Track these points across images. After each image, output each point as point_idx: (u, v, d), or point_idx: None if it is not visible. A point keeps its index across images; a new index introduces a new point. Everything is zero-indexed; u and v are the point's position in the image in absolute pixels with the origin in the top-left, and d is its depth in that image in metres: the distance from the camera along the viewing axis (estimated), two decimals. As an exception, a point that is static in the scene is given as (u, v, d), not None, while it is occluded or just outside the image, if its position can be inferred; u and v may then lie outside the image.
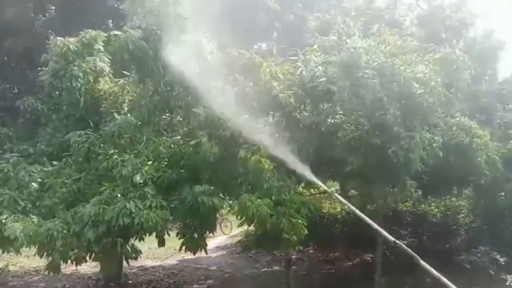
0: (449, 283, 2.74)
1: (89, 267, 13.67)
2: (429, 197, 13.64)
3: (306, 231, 6.61)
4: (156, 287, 12.12)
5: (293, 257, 10.77)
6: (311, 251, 14.83)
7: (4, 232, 5.50)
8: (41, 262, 14.79)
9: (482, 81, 13.07)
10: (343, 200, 3.56)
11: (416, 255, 3.32)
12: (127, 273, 12.62)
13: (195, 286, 12.03)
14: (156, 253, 15.21)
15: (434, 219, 15.28)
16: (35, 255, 6.87)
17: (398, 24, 13.94)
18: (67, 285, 12.26)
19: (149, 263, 14.61)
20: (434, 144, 7.47)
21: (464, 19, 14.07)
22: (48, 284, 12.44)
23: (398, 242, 3.28)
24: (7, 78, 9.47)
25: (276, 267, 13.29)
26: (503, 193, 11.91)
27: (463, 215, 14.28)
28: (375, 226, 3.62)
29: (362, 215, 3.50)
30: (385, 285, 9.42)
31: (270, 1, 11.32)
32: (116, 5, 9.54)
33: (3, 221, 5.64)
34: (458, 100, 8.62)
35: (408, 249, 3.49)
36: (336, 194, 3.64)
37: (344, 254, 13.61)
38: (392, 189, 7.20)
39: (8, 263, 14.54)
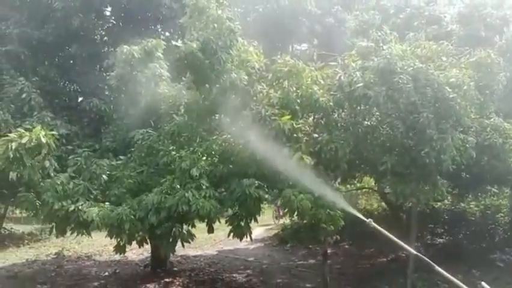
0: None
1: (136, 254, 14.76)
2: (467, 196, 13.69)
3: (343, 222, 7.17)
4: (199, 274, 12.80)
5: (328, 251, 11.21)
6: (346, 246, 15.19)
7: (81, 216, 6.42)
8: (91, 248, 16.15)
9: (522, 80, 12.99)
10: (378, 227, 4.02)
11: (431, 262, 3.68)
12: (172, 261, 13.46)
13: (234, 275, 12.62)
14: (197, 243, 16.07)
15: (473, 218, 15.25)
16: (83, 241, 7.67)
17: (438, 21, 14.00)
18: (117, 270, 13.14)
19: (191, 252, 15.36)
20: (467, 145, 7.81)
21: (505, 16, 13.92)
22: (99, 268, 13.43)
23: (415, 252, 3.65)
24: (73, 80, 10.55)
25: (311, 261, 13.75)
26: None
27: (502, 214, 14.25)
28: (403, 245, 4.07)
29: (393, 238, 3.93)
30: (417, 280, 9.77)
31: (310, 6, 11.83)
32: (169, 16, 10.38)
33: (80, 207, 6.56)
34: (492, 102, 8.88)
35: (424, 258, 3.88)
36: (374, 223, 4.09)
37: (379, 250, 13.87)
38: (424, 188, 7.60)
39: (62, 248, 15.86)
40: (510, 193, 13.03)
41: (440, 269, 3.30)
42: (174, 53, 6.78)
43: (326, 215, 6.79)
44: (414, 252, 3.58)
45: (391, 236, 4.03)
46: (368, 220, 4.03)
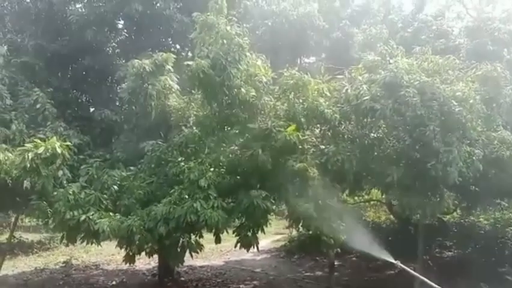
0: None
1: (143, 264, 14.84)
2: (476, 209, 13.60)
3: (344, 237, 7.22)
4: (206, 284, 12.84)
5: (336, 263, 11.19)
6: (354, 258, 15.12)
7: (93, 226, 6.56)
8: (98, 257, 16.28)
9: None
10: (405, 267, 4.11)
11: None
12: (179, 271, 13.51)
13: (241, 286, 12.66)
14: (204, 253, 16.10)
15: (482, 232, 15.13)
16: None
17: (446, 35, 14.03)
18: (124, 279, 13.23)
19: (198, 262, 15.38)
20: (473, 158, 7.85)
21: (513, 31, 13.92)
22: (107, 277, 13.53)
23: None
24: (85, 91, 10.81)
25: (318, 272, 13.71)
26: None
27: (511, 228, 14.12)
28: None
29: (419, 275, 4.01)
30: (424, 293, 9.72)
31: (318, 20, 11.98)
32: (179, 29, 10.61)
33: (91, 217, 6.70)
34: (499, 115, 8.90)
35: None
36: (400, 264, 4.18)
37: (388, 263, 13.80)
38: (430, 200, 7.62)
39: (71, 257, 16.02)
40: (524, 207, 12.92)
41: None
42: (186, 70, 6.96)
43: (327, 227, 6.86)
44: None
45: (418, 274, 4.15)
46: (396, 262, 4.12)
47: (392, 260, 4.22)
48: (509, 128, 9.66)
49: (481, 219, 15.92)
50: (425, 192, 7.55)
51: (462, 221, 16.11)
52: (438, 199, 7.53)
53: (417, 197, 7.46)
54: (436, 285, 3.57)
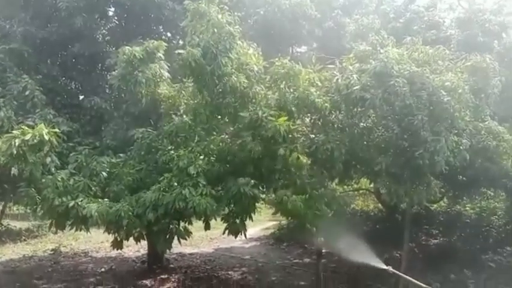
0: None
1: (132, 251, 14.90)
2: (463, 198, 13.85)
3: (328, 225, 7.31)
4: (195, 271, 12.95)
5: (324, 250, 11.35)
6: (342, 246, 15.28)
7: (81, 212, 6.56)
8: (87, 245, 16.29)
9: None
10: (397, 272, 4.19)
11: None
12: (168, 258, 13.59)
13: (230, 273, 12.81)
14: (193, 241, 16.17)
15: (468, 220, 15.44)
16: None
17: (437, 26, 14.09)
18: (113, 266, 13.27)
19: (187, 250, 15.48)
20: (461, 147, 7.96)
21: (503, 22, 14.03)
22: (96, 264, 13.57)
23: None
24: (75, 79, 10.70)
25: (306, 259, 13.90)
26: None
27: (497, 217, 14.41)
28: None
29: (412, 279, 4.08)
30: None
31: (310, 10, 11.95)
32: (171, 17, 10.51)
33: (79, 203, 6.69)
34: (488, 106, 9.02)
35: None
36: (392, 269, 4.25)
37: (375, 250, 14.03)
38: (418, 188, 7.74)
39: (59, 245, 16.01)
40: (505, 196, 13.18)
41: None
42: (177, 59, 6.92)
43: (312, 215, 6.94)
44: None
45: (410, 278, 4.24)
46: (387, 267, 4.20)
47: (384, 266, 4.30)
48: (497, 118, 9.81)
49: (467, 208, 16.24)
50: (413, 180, 7.66)
51: (449, 209, 16.42)
52: (425, 187, 7.63)
53: (405, 185, 7.57)
54: (425, 286, 3.65)
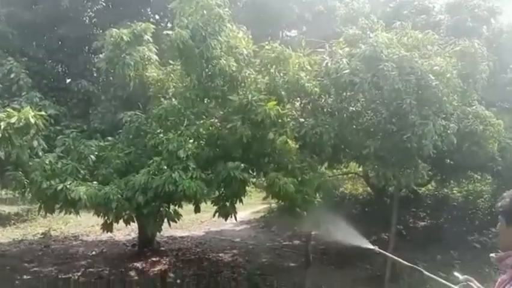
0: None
1: (123, 235, 14.97)
2: (450, 182, 14.08)
3: (318, 208, 7.40)
4: (186, 254, 13.11)
5: (313, 232, 11.53)
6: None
7: (69, 195, 6.53)
8: (77, 229, 16.31)
9: (506, 70, 13.25)
10: (384, 252, 4.24)
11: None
12: (159, 241, 13.70)
13: (220, 255, 13.03)
14: (184, 224, 16.27)
15: (455, 203, 15.74)
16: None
17: (427, 11, 14.06)
18: (104, 250, 13.35)
19: (178, 233, 15.60)
20: (448, 131, 8.06)
21: (492, 8, 14.08)
22: (86, 248, 13.64)
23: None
24: (61, 61, 10.52)
25: (296, 242, 14.12)
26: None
27: (483, 200, 14.70)
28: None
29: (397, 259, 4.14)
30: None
31: (301, -7, 11.87)
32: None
33: (68, 186, 6.66)
34: (475, 90, 9.11)
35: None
36: (379, 250, 4.29)
37: (363, 232, 14.24)
38: (405, 171, 7.84)
39: (49, 229, 16.00)
40: (491, 180, 13.43)
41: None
42: (165, 40, 6.84)
43: (302, 199, 7.01)
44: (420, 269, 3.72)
45: (395, 257, 4.28)
46: (374, 247, 4.24)
47: (371, 246, 4.36)
48: (484, 103, 9.92)
49: (455, 191, 16.54)
50: (401, 163, 7.76)
51: (436, 193, 16.70)
52: (413, 170, 7.74)
53: (393, 168, 7.66)
54: (413, 265, 3.72)
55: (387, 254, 4.08)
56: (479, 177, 14.28)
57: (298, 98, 8.45)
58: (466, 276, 2.81)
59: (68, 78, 10.33)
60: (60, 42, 10.55)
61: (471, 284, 2.69)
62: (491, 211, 13.61)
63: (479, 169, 12.13)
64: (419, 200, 16.06)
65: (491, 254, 2.42)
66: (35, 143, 6.79)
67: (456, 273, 2.91)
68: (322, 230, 6.98)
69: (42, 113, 6.62)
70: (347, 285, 10.07)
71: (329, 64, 7.71)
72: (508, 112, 12.13)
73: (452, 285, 2.83)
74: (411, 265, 3.66)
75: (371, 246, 4.27)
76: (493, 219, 12.90)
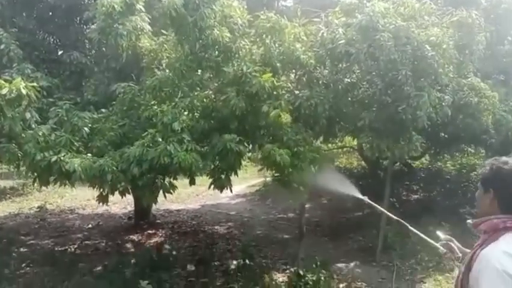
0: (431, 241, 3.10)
1: (119, 208, 15.08)
2: (444, 155, 14.18)
3: (314, 182, 7.42)
4: (181, 226, 13.26)
5: (307, 206, 11.66)
6: (325, 201, 15.77)
7: (64, 166, 6.49)
8: (73, 203, 16.40)
9: (503, 41, 13.16)
10: (372, 203, 4.25)
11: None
12: (155, 214, 13.83)
13: (216, 227, 13.19)
14: (180, 198, 16.40)
15: (448, 176, 15.90)
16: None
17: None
18: (100, 222, 13.47)
19: (173, 206, 15.75)
20: (443, 103, 8.07)
21: (492, -22, 13.83)
22: (83, 221, 13.75)
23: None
24: (52, 33, 10.28)
25: (290, 214, 14.32)
26: (514, 152, 12.39)
27: (476, 173, 14.87)
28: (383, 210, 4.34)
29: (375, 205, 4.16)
30: (389, 231, 10.33)
31: (296, -39, 11.58)
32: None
33: (62, 158, 6.62)
34: (471, 62, 9.07)
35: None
36: (368, 200, 4.30)
37: (356, 205, 14.44)
38: (399, 143, 7.86)
39: (45, 202, 16.07)
40: (485, 153, 13.54)
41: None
42: (157, 8, 6.68)
43: (297, 173, 7.02)
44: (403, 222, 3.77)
45: (383, 210, 4.31)
46: (363, 197, 4.28)
47: (360, 196, 4.41)
48: (480, 75, 9.90)
49: (448, 164, 16.69)
50: (395, 135, 7.77)
51: (430, 166, 16.87)
52: (407, 142, 7.76)
53: (387, 139, 7.67)
54: (401, 220, 3.76)
55: (375, 205, 4.14)
56: (472, 151, 14.41)
57: (293, 70, 8.37)
58: (447, 236, 2.92)
59: (60, 50, 10.12)
60: (51, 13, 10.28)
61: (451, 243, 2.83)
62: (484, 184, 13.81)
63: (472, 142, 12.22)
64: (412, 173, 16.24)
65: (468, 220, 2.54)
66: (28, 115, 6.70)
67: (438, 232, 3.02)
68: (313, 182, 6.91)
69: (34, 84, 6.52)
70: (340, 256, 10.26)
71: (325, 34, 7.60)
72: (504, 84, 12.11)
73: (435, 243, 2.95)
74: (397, 218, 3.74)
75: (361, 196, 4.35)
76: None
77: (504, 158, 2.38)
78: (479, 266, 2.16)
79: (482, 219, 2.40)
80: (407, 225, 3.61)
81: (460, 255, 2.79)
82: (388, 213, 4.16)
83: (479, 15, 8.88)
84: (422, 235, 3.21)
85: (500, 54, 12.47)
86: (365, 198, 4.22)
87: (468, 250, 2.69)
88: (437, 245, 2.94)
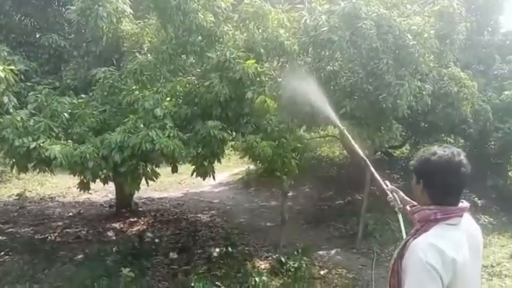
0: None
1: (100, 196, 14.90)
2: (424, 144, 14.41)
3: (297, 171, 7.49)
4: (164, 214, 13.13)
5: (289, 194, 11.74)
6: (307, 190, 15.88)
7: (43, 153, 6.37)
8: (54, 190, 16.12)
9: (483, 32, 13.38)
10: (348, 135, 4.26)
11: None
12: (137, 202, 13.71)
13: (199, 215, 13.11)
14: (162, 186, 16.27)
15: (428, 166, 16.11)
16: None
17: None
18: (81, 211, 13.26)
19: (156, 194, 15.62)
20: (423, 92, 8.19)
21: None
22: (63, 209, 13.48)
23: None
24: (30, 15, 9.99)
25: (273, 203, 14.37)
26: (492, 142, 12.69)
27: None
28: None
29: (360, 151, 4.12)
30: (369, 219, 10.52)
31: None
32: None
33: (41, 144, 6.49)
34: (452, 52, 9.20)
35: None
36: (345, 131, 4.32)
37: (338, 193, 14.65)
38: (380, 132, 7.97)
39: (25, 190, 15.74)
40: (463, 143, 13.83)
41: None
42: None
43: (281, 163, 7.05)
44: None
45: (354, 144, 4.19)
46: (342, 127, 4.35)
47: (340, 126, 4.50)
48: (460, 65, 10.06)
49: (428, 154, 16.93)
50: (376, 123, 7.87)
51: (410, 155, 17.13)
52: (387, 130, 7.86)
53: (368, 128, 7.76)
54: (367, 160, 3.86)
55: (349, 136, 4.18)
56: (452, 141, 14.69)
57: (277, 57, 8.35)
58: (393, 187, 3.15)
59: (38, 33, 9.84)
60: (27, -6, 9.99)
61: (395, 194, 3.07)
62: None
63: (452, 131, 12.46)
64: (393, 162, 16.50)
65: (407, 206, 2.64)
66: (5, 99, 6.53)
67: (387, 182, 3.23)
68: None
69: (12, 67, 6.35)
70: (321, 243, 10.39)
71: (308, 21, 7.60)
72: (483, 75, 12.36)
73: (384, 185, 3.23)
74: (365, 158, 3.85)
75: (339, 125, 4.44)
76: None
77: (434, 149, 2.38)
78: (408, 255, 2.23)
79: (415, 208, 2.46)
80: (370, 165, 3.78)
81: (401, 206, 3.00)
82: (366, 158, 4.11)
83: (460, 5, 8.98)
84: (378, 177, 3.42)
85: (480, 44, 12.70)
86: (344, 129, 4.32)
87: (410, 200, 2.88)
88: (386, 189, 3.17)
